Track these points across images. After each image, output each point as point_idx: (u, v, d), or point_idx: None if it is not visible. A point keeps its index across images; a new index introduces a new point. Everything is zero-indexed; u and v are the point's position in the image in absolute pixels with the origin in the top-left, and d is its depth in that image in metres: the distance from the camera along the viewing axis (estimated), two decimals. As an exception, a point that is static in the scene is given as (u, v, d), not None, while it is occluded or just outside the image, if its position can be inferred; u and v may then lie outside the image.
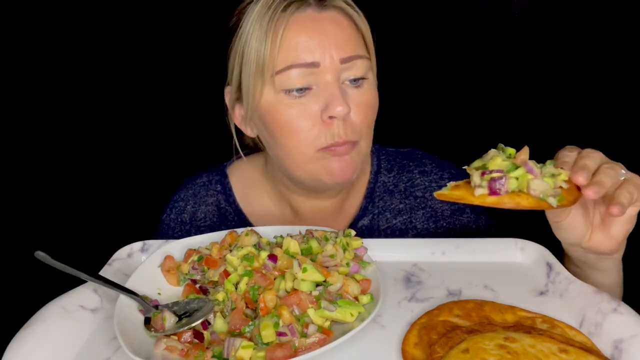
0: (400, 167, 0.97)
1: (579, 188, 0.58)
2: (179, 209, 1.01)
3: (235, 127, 0.91)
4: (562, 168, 0.58)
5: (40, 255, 0.57)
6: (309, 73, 0.77)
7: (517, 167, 0.56)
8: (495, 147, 0.61)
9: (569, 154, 0.61)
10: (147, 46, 1.56)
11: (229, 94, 0.88)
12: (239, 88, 0.83)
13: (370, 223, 0.94)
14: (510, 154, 0.59)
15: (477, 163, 0.59)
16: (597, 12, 1.40)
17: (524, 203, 0.55)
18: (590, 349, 0.53)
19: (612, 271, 0.70)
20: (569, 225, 0.65)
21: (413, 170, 0.96)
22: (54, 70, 1.61)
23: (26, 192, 1.68)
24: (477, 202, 0.56)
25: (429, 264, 0.74)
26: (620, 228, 0.63)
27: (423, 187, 0.95)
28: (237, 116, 0.88)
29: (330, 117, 0.77)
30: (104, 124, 1.67)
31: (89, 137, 1.68)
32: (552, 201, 0.55)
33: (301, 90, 0.78)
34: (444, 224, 0.93)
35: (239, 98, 0.85)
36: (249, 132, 0.88)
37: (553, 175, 0.57)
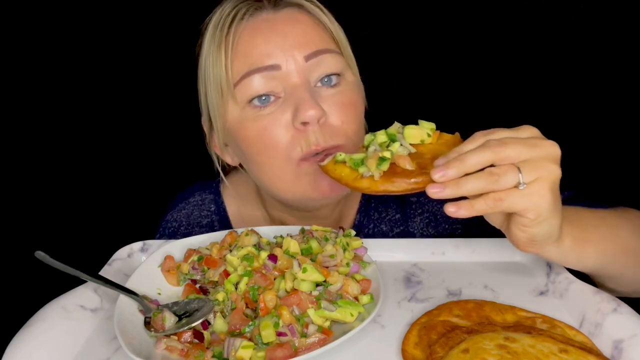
0: None
1: None
2: (172, 230, 0.96)
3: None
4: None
5: (40, 255, 0.57)
6: (271, 77, 0.70)
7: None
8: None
9: (474, 142, 0.53)
10: (148, 49, 1.56)
11: (205, 123, 0.83)
12: (209, 114, 0.78)
13: (366, 237, 0.90)
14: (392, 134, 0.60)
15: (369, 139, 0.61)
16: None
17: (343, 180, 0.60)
18: (590, 349, 0.53)
19: (559, 262, 0.62)
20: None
21: None
22: (54, 70, 1.61)
23: (26, 192, 1.68)
24: (351, 184, 0.58)
25: (429, 264, 0.74)
26: (516, 233, 0.55)
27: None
28: (217, 145, 0.83)
29: (303, 124, 0.70)
30: (104, 123, 1.67)
31: (89, 137, 1.68)
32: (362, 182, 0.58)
33: (264, 98, 0.71)
34: (446, 227, 0.88)
35: (212, 126, 0.80)
36: (230, 160, 0.84)
37: (382, 160, 0.56)
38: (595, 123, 1.41)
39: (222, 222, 0.94)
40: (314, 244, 0.66)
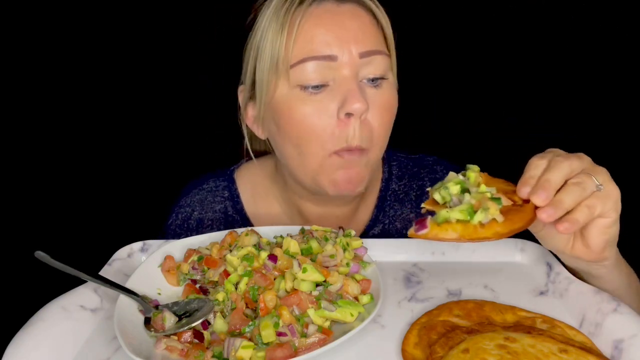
0: (411, 174, 0.94)
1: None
2: (185, 215, 0.97)
3: (247, 129, 0.88)
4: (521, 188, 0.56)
5: (40, 255, 0.57)
6: (326, 67, 0.74)
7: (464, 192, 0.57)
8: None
9: (537, 165, 0.57)
10: (152, 45, 1.56)
11: (242, 92, 0.86)
12: (253, 85, 0.81)
13: (381, 232, 0.91)
14: (467, 178, 0.58)
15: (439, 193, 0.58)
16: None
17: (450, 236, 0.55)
18: (590, 349, 0.53)
19: (607, 277, 0.66)
20: (548, 235, 0.63)
21: (424, 177, 0.94)
22: (54, 70, 1.61)
23: (26, 192, 1.68)
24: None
25: (429, 264, 0.74)
26: (597, 238, 0.59)
27: None
28: (250, 116, 0.86)
29: (347, 115, 0.74)
30: (104, 123, 1.67)
31: (89, 137, 1.68)
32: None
33: (317, 87, 0.74)
34: None
35: (252, 97, 0.83)
36: (260, 133, 0.86)
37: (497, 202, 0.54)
38: (596, 123, 1.41)
39: (235, 207, 0.95)
40: (314, 244, 0.67)
